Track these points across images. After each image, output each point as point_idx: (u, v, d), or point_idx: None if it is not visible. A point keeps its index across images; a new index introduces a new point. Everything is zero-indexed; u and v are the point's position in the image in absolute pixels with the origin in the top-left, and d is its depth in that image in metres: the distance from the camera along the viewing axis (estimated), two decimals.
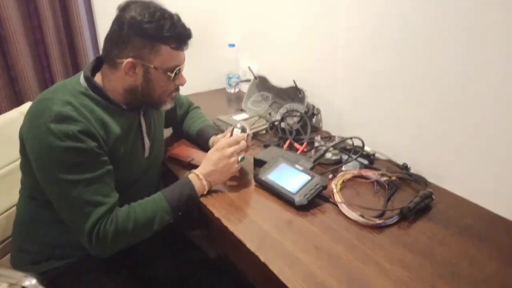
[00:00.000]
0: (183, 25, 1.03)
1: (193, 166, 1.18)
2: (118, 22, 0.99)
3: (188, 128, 1.44)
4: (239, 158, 1.13)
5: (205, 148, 1.35)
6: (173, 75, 1.04)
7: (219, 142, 1.15)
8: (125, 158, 1.07)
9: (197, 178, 1.10)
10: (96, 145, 0.96)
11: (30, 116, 0.96)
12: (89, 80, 1.02)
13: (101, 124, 0.99)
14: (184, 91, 1.52)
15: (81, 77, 1.04)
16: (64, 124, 0.91)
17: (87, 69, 1.05)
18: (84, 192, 0.93)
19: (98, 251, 0.97)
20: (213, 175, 1.11)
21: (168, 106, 1.12)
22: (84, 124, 0.94)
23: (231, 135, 1.16)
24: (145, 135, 1.15)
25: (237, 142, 1.13)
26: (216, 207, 1.08)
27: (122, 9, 0.99)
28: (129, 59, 0.98)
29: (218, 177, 1.12)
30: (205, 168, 1.11)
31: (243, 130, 1.18)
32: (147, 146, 1.16)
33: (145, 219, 1.00)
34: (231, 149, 1.11)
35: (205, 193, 1.11)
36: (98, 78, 1.05)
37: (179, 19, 1.03)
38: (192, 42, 1.07)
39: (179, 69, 1.06)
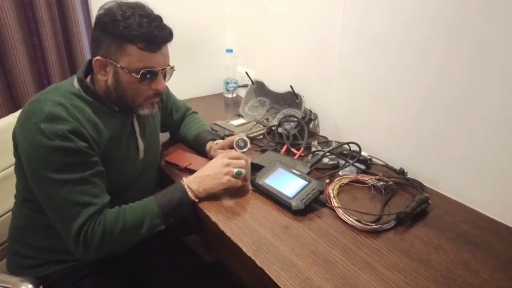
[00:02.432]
0: (158, 26, 0.97)
1: (190, 171, 1.18)
2: (95, 22, 1.00)
3: (185, 133, 1.44)
4: (235, 171, 1.11)
5: (202, 153, 1.36)
6: (139, 76, 0.98)
7: (226, 151, 1.21)
8: (119, 159, 1.07)
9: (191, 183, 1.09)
10: (86, 146, 0.95)
11: (22, 117, 0.96)
12: (82, 81, 1.03)
13: (92, 126, 0.99)
14: (181, 95, 1.54)
15: (74, 79, 1.04)
16: (54, 123, 0.92)
17: (80, 71, 1.05)
18: (73, 193, 0.93)
19: (84, 253, 0.95)
20: (206, 181, 1.10)
21: (146, 111, 1.07)
22: (74, 124, 0.94)
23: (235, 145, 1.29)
24: (138, 137, 1.14)
25: (239, 157, 1.15)
26: (212, 211, 1.07)
27: (100, 8, 0.99)
28: (98, 57, 0.99)
29: (208, 183, 1.10)
30: (201, 172, 1.11)
31: (238, 146, 1.29)
32: (141, 148, 1.15)
33: (134, 221, 0.99)
34: (229, 160, 1.12)
35: (197, 200, 1.09)
36: (90, 80, 1.06)
37: (155, 19, 0.98)
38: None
39: (151, 72, 1.00)
